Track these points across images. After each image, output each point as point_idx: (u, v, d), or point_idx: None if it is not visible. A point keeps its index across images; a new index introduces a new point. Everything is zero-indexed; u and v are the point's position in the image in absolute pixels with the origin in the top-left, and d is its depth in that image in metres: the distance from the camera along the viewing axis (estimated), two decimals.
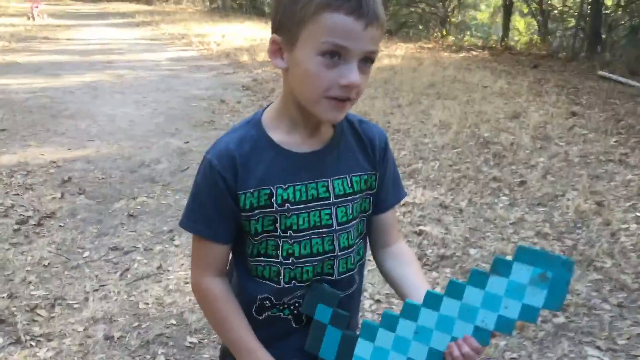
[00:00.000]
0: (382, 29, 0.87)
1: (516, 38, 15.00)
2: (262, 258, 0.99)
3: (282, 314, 1.01)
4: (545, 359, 2.15)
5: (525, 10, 15.16)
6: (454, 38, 14.65)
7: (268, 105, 1.02)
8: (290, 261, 0.97)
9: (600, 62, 9.52)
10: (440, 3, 16.17)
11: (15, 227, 3.21)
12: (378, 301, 2.53)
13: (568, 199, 3.75)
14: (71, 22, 16.92)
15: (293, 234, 0.96)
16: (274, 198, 0.94)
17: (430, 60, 10.14)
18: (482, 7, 19.38)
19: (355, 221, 1.02)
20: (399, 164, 4.43)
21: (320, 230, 0.97)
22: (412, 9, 17.06)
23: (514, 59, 10.91)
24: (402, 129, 5.47)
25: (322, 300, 0.96)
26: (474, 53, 11.61)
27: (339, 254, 0.99)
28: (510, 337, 2.27)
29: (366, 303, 2.51)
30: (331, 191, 0.97)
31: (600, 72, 8.48)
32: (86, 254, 2.95)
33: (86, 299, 2.52)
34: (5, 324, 2.31)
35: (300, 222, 0.96)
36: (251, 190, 0.94)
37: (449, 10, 16.30)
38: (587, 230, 3.29)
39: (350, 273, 1.03)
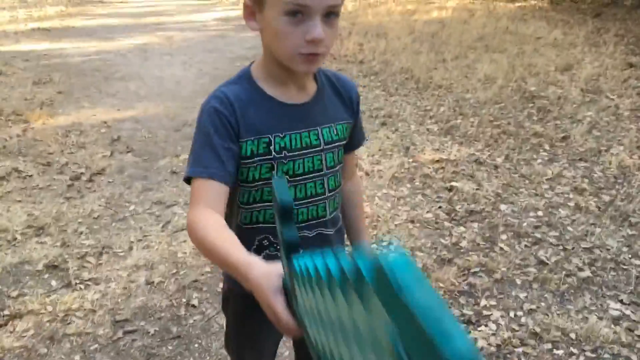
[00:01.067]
0: None
1: None
2: (258, 204, 1.07)
3: (278, 253, 1.09)
4: (564, 311, 2.17)
5: None
6: None
7: (252, 63, 1.08)
8: None
9: None
10: None
11: (69, 182, 3.46)
12: None
13: (612, 154, 3.62)
14: None
15: (289, 179, 1.05)
16: (272, 146, 1.02)
17: (482, 11, 9.73)
18: None
19: (340, 165, 1.12)
20: (437, 120, 4.39)
21: (313, 174, 1.06)
22: None
23: (574, 7, 10.29)
24: (445, 84, 5.36)
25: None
26: (532, 2, 11.01)
27: (328, 195, 1.10)
28: (531, 290, 2.30)
29: None
30: (321, 139, 1.06)
31: None
32: (132, 207, 3.17)
33: (130, 248, 2.73)
34: (58, 270, 2.55)
35: (296, 167, 1.04)
36: (252, 138, 1.01)
37: None
38: (627, 186, 3.19)
39: (337, 211, 1.15)
